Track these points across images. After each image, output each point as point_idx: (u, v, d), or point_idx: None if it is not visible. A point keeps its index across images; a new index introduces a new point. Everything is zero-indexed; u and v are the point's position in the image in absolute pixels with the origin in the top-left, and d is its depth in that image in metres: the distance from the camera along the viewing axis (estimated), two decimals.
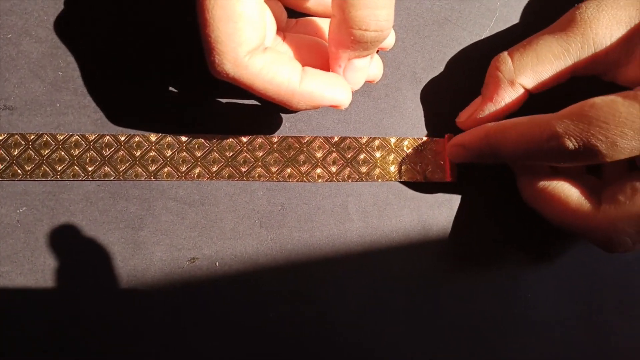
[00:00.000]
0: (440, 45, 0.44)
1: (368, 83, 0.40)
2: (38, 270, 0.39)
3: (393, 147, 0.42)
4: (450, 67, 0.44)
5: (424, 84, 0.43)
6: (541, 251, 0.43)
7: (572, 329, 0.42)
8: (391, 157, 0.42)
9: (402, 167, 0.42)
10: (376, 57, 0.39)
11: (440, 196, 0.42)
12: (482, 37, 0.44)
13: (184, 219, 0.40)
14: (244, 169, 0.41)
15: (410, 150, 0.42)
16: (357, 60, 0.34)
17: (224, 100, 0.42)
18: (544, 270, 0.43)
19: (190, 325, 0.40)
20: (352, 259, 0.41)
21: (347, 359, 0.41)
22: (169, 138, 0.40)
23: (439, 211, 0.42)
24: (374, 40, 0.32)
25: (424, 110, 0.43)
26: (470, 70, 0.43)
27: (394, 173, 0.41)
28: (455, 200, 0.43)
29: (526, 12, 0.45)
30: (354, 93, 0.41)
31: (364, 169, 0.41)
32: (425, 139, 0.42)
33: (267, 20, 0.34)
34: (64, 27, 0.41)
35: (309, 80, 0.33)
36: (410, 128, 0.43)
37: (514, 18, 0.45)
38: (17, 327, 0.39)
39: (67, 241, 0.39)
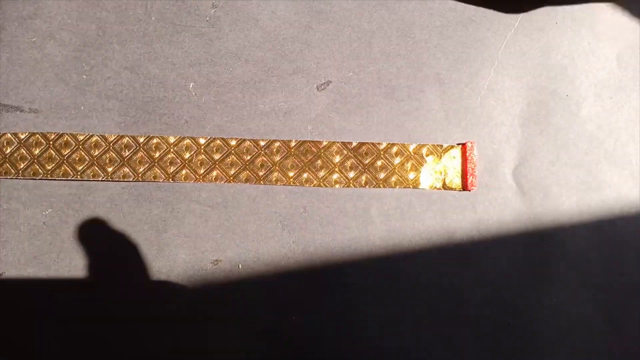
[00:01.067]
0: (464, 46, 0.43)
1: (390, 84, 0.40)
2: (64, 271, 0.40)
3: (412, 153, 0.41)
4: (474, 68, 0.43)
5: (448, 85, 0.43)
6: (567, 257, 0.42)
7: (599, 334, 0.42)
8: (409, 164, 0.41)
9: (421, 174, 0.41)
10: None
11: (465, 200, 0.42)
12: (507, 38, 0.44)
13: (207, 221, 0.40)
14: (261, 173, 0.41)
15: (429, 157, 0.41)
16: None
17: (243, 103, 0.42)
18: (570, 276, 0.42)
19: (213, 326, 0.40)
20: (375, 262, 0.41)
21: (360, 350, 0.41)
22: (187, 140, 0.41)
23: (463, 215, 0.42)
24: None
25: (447, 112, 0.43)
26: (495, 71, 0.43)
27: (412, 180, 0.41)
28: (480, 204, 0.42)
29: (552, 12, 0.44)
30: (377, 95, 0.41)
31: (381, 175, 0.41)
32: (445, 146, 0.41)
33: None
34: (88, 30, 0.42)
35: None
36: (433, 131, 0.42)
37: (539, 18, 0.44)
38: (43, 327, 0.39)
39: (92, 243, 0.40)
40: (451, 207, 0.42)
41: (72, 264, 0.40)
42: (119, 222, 0.40)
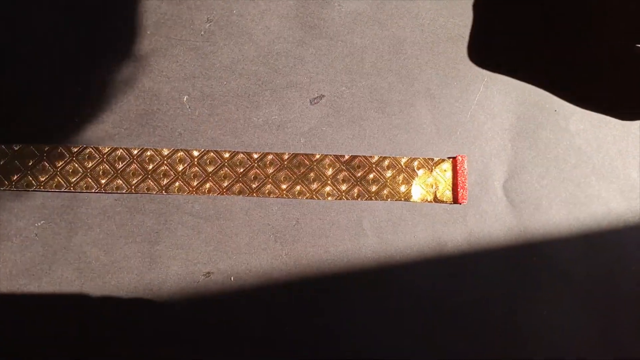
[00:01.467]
0: (455, 62, 0.44)
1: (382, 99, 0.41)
2: (55, 283, 0.39)
3: (403, 166, 0.42)
4: (464, 84, 0.44)
5: (439, 100, 0.43)
6: (556, 269, 0.43)
7: (588, 346, 0.42)
8: (401, 176, 0.42)
9: (412, 187, 0.42)
10: None
11: (456, 213, 0.42)
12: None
13: (199, 233, 0.41)
14: (254, 185, 0.41)
15: (420, 170, 0.42)
16: None
17: (236, 117, 0.42)
18: (559, 287, 0.42)
19: (205, 338, 0.40)
20: (367, 274, 0.41)
21: None
22: (181, 153, 0.41)
23: (454, 228, 0.42)
24: None
25: (438, 126, 0.43)
26: (485, 87, 0.44)
27: (403, 193, 0.42)
28: (470, 217, 0.43)
29: (540, 28, 0.45)
30: (369, 109, 0.42)
31: (373, 188, 0.41)
32: (436, 159, 0.42)
33: None
34: (82, 43, 0.42)
35: None
36: (424, 144, 0.43)
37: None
38: (34, 338, 0.39)
39: (85, 255, 0.40)
40: (442, 219, 0.42)
41: (64, 275, 0.40)
42: (112, 233, 0.40)
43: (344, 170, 0.41)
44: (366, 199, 0.41)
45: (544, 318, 0.42)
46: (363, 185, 0.41)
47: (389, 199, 0.41)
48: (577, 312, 0.42)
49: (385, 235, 0.42)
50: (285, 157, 0.41)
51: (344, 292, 0.41)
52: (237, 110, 0.42)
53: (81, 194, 0.40)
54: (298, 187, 0.41)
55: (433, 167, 0.42)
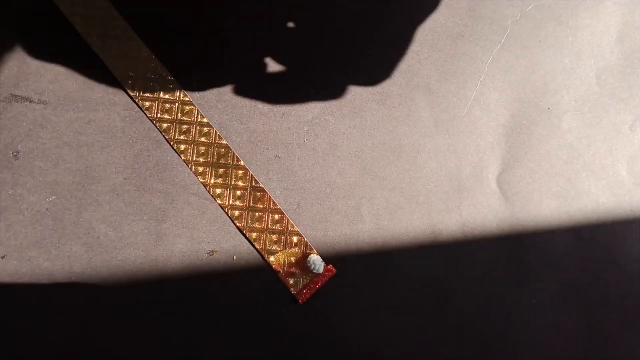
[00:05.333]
0: (454, 59, 0.46)
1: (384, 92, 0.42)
2: (64, 257, 0.41)
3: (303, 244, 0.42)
4: (462, 80, 0.46)
5: (437, 95, 0.45)
6: (546, 259, 0.44)
7: (574, 336, 0.44)
8: (295, 249, 0.42)
9: (292, 263, 0.42)
10: None
11: (451, 203, 0.44)
12: (494, 53, 0.46)
13: (204, 213, 0.42)
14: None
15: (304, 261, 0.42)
16: None
17: (243, 103, 0.44)
18: (548, 277, 0.44)
19: (206, 315, 0.41)
20: (363, 259, 0.43)
21: (355, 356, 0.42)
22: (206, 128, 0.43)
23: (449, 217, 0.44)
24: None
25: (436, 120, 0.45)
26: (481, 84, 0.46)
27: (279, 262, 0.42)
28: (465, 207, 0.44)
29: (536, 30, 0.47)
30: (370, 101, 0.44)
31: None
32: (319, 272, 0.42)
33: None
34: (97, 25, 0.44)
35: None
36: (422, 137, 0.45)
37: (524, 35, 0.47)
38: (41, 310, 0.40)
39: (93, 230, 0.41)
40: (437, 209, 0.44)
41: (73, 249, 0.41)
42: (120, 211, 0.42)
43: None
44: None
45: (532, 307, 0.44)
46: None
47: (270, 261, 0.42)
48: (564, 303, 0.44)
49: (382, 222, 0.43)
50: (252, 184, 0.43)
51: (341, 275, 0.42)
52: (244, 97, 0.44)
53: (92, 172, 0.42)
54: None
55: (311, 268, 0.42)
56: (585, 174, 0.45)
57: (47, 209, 0.41)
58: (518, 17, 0.47)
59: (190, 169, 0.42)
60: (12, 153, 0.41)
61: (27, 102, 0.43)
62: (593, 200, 0.45)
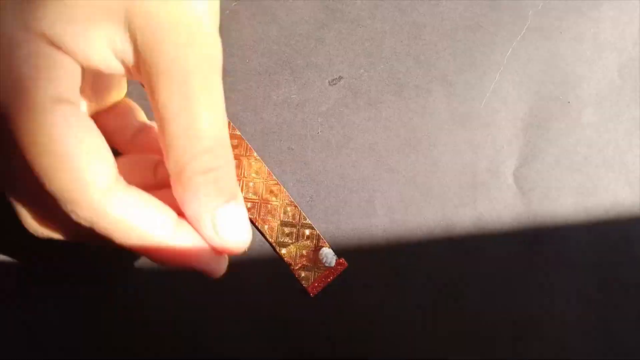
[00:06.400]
0: (472, 50, 0.45)
1: (399, 88, 0.42)
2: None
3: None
4: (480, 72, 0.45)
5: (454, 86, 0.44)
6: (563, 257, 0.44)
7: (588, 334, 0.43)
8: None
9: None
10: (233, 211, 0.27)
11: (466, 197, 0.43)
12: (513, 44, 0.45)
13: None
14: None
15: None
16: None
17: (256, 94, 0.43)
18: (564, 275, 0.43)
19: (216, 307, 0.41)
20: (376, 253, 0.42)
21: (367, 351, 0.42)
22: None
23: (464, 211, 0.43)
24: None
25: (453, 112, 0.44)
26: (500, 76, 0.45)
27: (291, 255, 0.42)
28: (480, 202, 0.44)
29: (557, 21, 0.46)
30: (386, 92, 0.43)
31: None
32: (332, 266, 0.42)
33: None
34: None
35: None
36: (438, 129, 0.44)
37: (545, 27, 0.46)
38: (41, 300, 0.41)
39: None
40: (452, 203, 0.43)
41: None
42: None
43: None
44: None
45: (548, 304, 0.43)
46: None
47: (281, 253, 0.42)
48: (581, 301, 0.43)
49: (395, 216, 0.43)
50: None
51: (353, 270, 0.42)
52: (258, 87, 0.44)
53: None
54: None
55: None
56: (605, 170, 0.45)
57: None
58: (539, 8, 0.46)
59: None
60: None
61: None
62: (612, 197, 0.44)
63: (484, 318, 0.43)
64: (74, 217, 0.23)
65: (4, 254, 0.41)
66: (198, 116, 0.24)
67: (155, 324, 0.41)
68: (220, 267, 0.29)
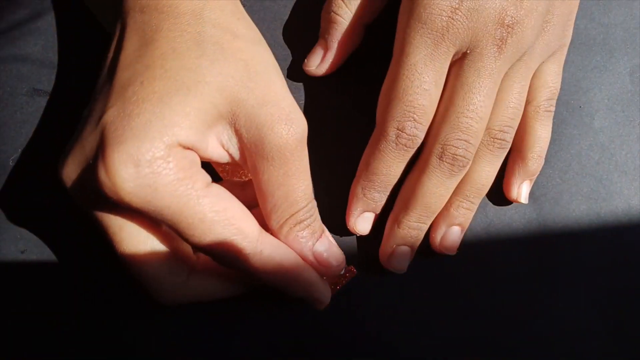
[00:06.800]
0: None
1: None
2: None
3: None
4: None
5: None
6: (574, 263, 0.43)
7: (603, 339, 0.42)
8: None
9: None
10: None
11: None
12: None
13: None
14: None
15: None
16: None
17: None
18: (576, 281, 0.43)
19: (224, 314, 0.41)
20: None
21: (375, 357, 0.41)
22: None
23: (474, 218, 0.42)
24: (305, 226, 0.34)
25: None
26: None
27: None
28: (490, 208, 0.43)
29: None
30: None
31: None
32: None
33: None
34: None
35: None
36: None
37: None
38: (41, 295, 0.40)
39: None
40: None
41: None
42: None
43: None
44: None
45: (559, 312, 0.42)
46: None
47: None
48: (593, 308, 0.43)
49: None
50: None
51: (362, 276, 0.42)
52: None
53: None
54: None
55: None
56: (618, 175, 0.44)
57: None
58: None
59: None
60: None
61: (48, 96, 0.42)
62: (625, 202, 0.44)
63: (495, 325, 0.42)
64: (237, 264, 0.32)
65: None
66: (294, 188, 0.32)
67: (157, 324, 0.40)
68: (327, 294, 0.37)
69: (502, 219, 0.43)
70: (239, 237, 0.30)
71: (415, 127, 0.36)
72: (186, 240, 0.30)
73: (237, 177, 0.40)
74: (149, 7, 0.31)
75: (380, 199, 0.39)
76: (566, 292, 0.43)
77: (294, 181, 0.32)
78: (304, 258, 0.34)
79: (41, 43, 0.43)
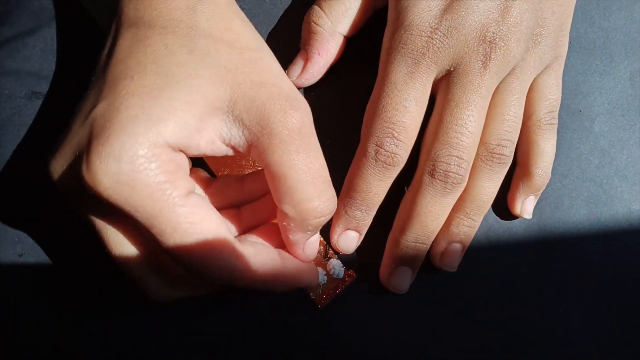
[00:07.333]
0: None
1: None
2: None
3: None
4: None
5: None
6: (574, 267, 0.43)
7: (604, 345, 0.42)
8: None
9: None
10: None
11: None
12: None
13: None
14: None
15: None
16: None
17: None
18: (576, 286, 0.43)
19: (222, 318, 0.41)
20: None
21: (364, 356, 0.41)
22: None
23: None
24: (325, 219, 0.33)
25: None
26: None
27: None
28: (490, 213, 0.43)
29: None
30: None
31: None
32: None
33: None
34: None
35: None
36: None
37: None
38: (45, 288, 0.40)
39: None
40: None
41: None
42: None
43: None
44: None
45: (560, 317, 0.42)
46: None
47: None
48: (594, 313, 0.42)
49: None
50: None
51: (362, 280, 0.41)
52: None
53: None
54: None
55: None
56: (618, 179, 0.44)
57: None
58: None
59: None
60: None
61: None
62: (625, 207, 0.44)
63: (495, 330, 0.42)
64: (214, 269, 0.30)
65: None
66: (308, 167, 0.30)
67: (159, 325, 0.40)
68: (314, 279, 0.38)
69: (503, 223, 0.43)
70: (210, 253, 0.29)
71: (394, 144, 0.35)
72: (157, 244, 0.29)
73: (236, 170, 0.39)
74: (143, 5, 0.30)
75: (362, 217, 0.38)
76: (567, 296, 0.42)
77: (306, 158, 0.30)
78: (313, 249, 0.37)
79: (40, 46, 0.43)
